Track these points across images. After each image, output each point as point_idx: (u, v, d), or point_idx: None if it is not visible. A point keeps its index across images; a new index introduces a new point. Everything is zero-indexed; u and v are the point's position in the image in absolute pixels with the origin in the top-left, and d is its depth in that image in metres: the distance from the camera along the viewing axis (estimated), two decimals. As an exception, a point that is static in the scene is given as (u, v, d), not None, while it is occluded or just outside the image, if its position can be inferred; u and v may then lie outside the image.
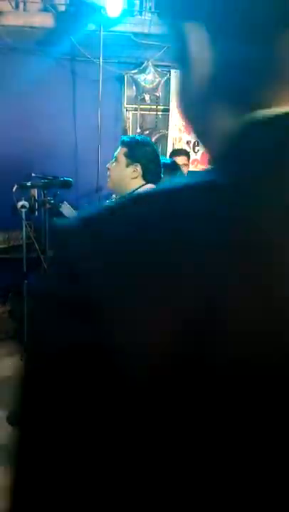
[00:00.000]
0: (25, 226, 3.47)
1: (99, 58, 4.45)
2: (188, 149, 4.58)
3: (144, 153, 2.22)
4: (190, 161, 4.35)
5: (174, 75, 4.70)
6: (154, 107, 4.92)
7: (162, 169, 2.30)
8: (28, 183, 3.37)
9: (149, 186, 2.17)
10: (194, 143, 4.76)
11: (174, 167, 3.17)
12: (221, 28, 0.40)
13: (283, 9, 0.37)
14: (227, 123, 0.42)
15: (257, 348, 0.34)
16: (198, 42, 0.41)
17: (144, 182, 2.22)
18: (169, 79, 4.77)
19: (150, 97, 4.89)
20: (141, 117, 4.94)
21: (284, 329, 0.34)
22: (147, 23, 4.41)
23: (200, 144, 0.51)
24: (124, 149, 2.24)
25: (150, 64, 4.76)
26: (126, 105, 4.96)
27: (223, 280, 0.34)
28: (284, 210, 0.36)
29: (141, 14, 4.61)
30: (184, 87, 0.46)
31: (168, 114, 4.92)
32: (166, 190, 0.41)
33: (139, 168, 2.20)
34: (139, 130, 4.90)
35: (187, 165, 4.15)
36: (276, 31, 0.38)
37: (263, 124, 0.39)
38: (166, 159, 3.26)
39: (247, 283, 0.34)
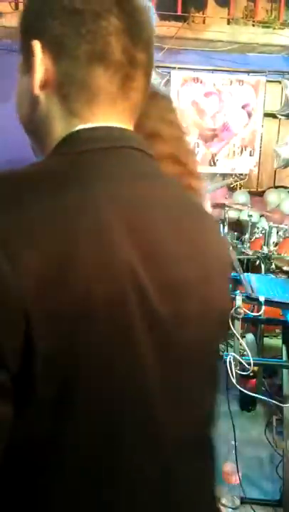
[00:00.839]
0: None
1: (99, 59, 4.43)
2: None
3: None
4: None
5: (175, 76, 4.71)
6: (155, 108, 4.90)
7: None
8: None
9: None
10: (195, 143, 4.75)
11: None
12: (55, 48, 0.61)
13: (93, 47, 0.59)
14: (60, 126, 0.62)
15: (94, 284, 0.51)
16: (39, 55, 0.61)
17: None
18: (169, 80, 4.76)
19: (151, 98, 4.88)
20: (141, 118, 4.93)
21: (113, 264, 0.53)
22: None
23: (32, 141, 0.74)
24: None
25: (151, 65, 4.75)
26: (126, 106, 4.94)
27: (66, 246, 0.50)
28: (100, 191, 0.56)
29: (141, 15, 4.60)
30: (25, 93, 0.69)
31: (168, 115, 4.90)
32: (16, 173, 0.56)
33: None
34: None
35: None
36: (91, 64, 0.60)
37: (74, 136, 0.61)
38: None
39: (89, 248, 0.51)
